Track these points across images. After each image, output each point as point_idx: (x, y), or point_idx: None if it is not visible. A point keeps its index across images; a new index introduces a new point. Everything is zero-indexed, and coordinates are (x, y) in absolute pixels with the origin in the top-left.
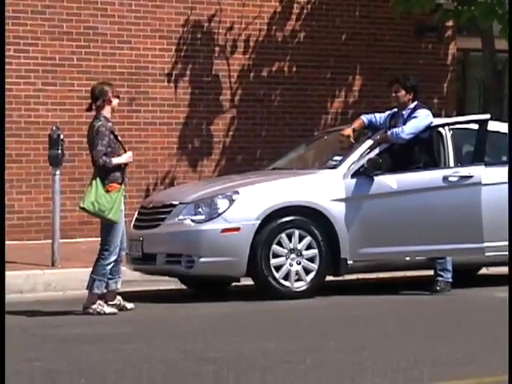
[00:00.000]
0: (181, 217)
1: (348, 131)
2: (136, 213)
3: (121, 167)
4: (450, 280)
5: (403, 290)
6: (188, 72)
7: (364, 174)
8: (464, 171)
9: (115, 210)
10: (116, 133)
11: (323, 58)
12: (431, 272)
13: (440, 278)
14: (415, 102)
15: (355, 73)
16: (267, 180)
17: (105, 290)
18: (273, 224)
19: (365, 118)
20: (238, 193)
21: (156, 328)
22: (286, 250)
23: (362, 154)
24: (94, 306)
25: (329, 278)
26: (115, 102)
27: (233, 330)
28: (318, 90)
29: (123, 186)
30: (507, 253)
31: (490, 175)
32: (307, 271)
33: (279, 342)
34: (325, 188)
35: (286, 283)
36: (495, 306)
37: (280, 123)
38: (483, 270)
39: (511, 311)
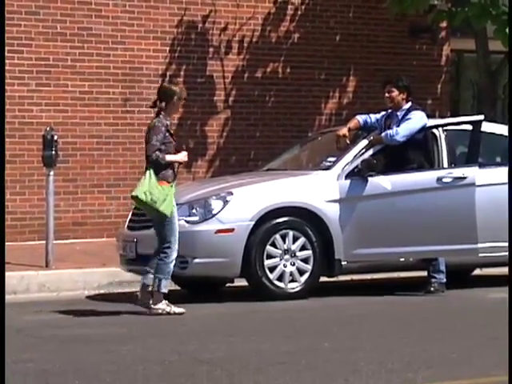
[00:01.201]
0: None
1: (343, 131)
2: (130, 214)
3: (173, 166)
4: (444, 280)
5: (397, 290)
6: (182, 73)
7: (358, 174)
8: (458, 172)
9: (168, 202)
10: (172, 131)
11: (317, 59)
12: (425, 273)
13: (433, 280)
14: (409, 103)
15: (349, 74)
16: (261, 181)
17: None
18: (267, 225)
19: (360, 118)
20: (232, 194)
21: (150, 329)
22: (280, 251)
23: (356, 155)
24: (163, 306)
25: (323, 278)
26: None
27: (227, 330)
28: (312, 91)
29: (174, 185)
30: (501, 254)
31: (484, 176)
32: (301, 272)
33: (273, 343)
34: (319, 189)
35: (280, 284)
36: (489, 306)
37: (274, 124)
38: (477, 271)
39: (511, 311)
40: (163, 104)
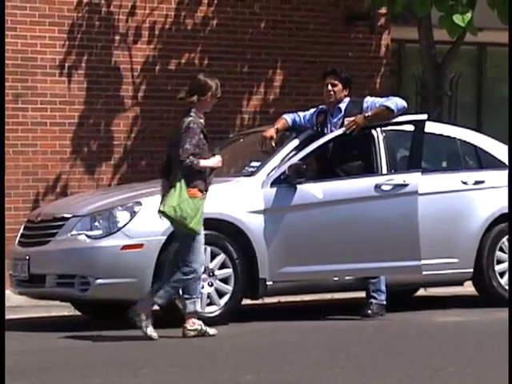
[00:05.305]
0: (74, 232)
1: (270, 132)
2: (22, 227)
3: (205, 172)
4: (384, 302)
5: (331, 314)
6: (83, 64)
7: (285, 181)
8: (398, 179)
9: (198, 219)
10: (206, 132)
11: (239, 49)
12: (363, 294)
13: (373, 301)
14: (348, 98)
15: (276, 66)
16: None
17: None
18: None
19: (288, 117)
20: (140, 204)
21: (40, 362)
22: None
23: (283, 159)
24: (198, 327)
25: (246, 301)
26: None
27: (135, 362)
28: (233, 86)
29: (205, 194)
30: (448, 271)
31: (428, 183)
32: (220, 294)
33: (187, 376)
34: (241, 198)
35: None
36: (436, 332)
37: None
38: (421, 291)
39: (511, 319)
40: (195, 98)
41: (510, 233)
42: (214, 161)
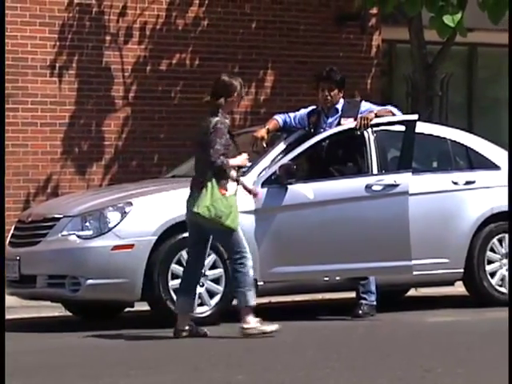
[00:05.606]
0: (65, 232)
1: (262, 132)
2: (12, 228)
3: (231, 170)
4: (375, 303)
5: (322, 314)
6: (74, 64)
7: (276, 182)
8: (389, 179)
9: (233, 215)
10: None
11: (230, 49)
12: (353, 294)
13: (363, 301)
14: (343, 99)
15: (267, 67)
16: (165, 190)
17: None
18: (172, 240)
19: (279, 118)
20: (131, 204)
21: (31, 362)
22: None
23: (273, 160)
24: (255, 325)
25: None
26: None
27: (126, 362)
28: None
29: (235, 189)
30: (438, 272)
31: (419, 184)
32: (211, 294)
33: (180, 376)
34: None
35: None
36: (425, 331)
37: (181, 124)
38: (411, 292)
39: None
40: (222, 100)
41: (510, 232)
42: (241, 159)
